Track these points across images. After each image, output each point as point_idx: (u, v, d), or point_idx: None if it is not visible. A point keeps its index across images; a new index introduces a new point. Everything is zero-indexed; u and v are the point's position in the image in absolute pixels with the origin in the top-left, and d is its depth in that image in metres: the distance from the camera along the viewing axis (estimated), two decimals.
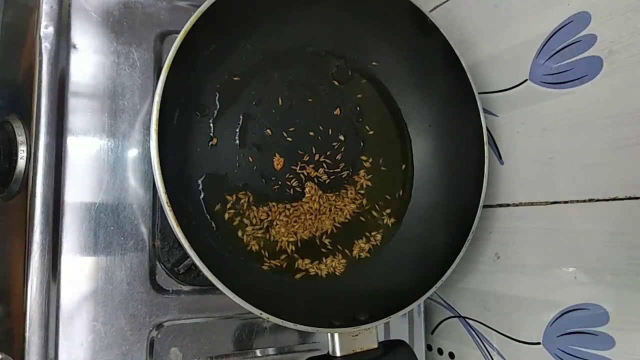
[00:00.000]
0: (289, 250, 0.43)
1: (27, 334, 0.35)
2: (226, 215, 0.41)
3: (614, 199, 0.39)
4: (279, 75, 0.45)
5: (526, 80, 0.45)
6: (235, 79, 0.43)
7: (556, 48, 0.43)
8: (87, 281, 0.38)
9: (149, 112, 0.38)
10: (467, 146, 0.47)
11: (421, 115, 0.50)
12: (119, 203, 0.39)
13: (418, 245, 0.47)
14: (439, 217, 0.48)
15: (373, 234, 0.47)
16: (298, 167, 0.45)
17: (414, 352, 0.42)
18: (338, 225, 0.46)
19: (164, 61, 0.36)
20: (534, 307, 0.44)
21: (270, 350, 0.45)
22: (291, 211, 0.44)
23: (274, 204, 0.43)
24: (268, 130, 0.44)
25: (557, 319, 0.42)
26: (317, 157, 0.46)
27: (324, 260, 0.45)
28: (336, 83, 0.48)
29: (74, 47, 0.39)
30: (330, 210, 0.46)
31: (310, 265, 0.44)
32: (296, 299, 0.42)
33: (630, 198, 0.38)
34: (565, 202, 0.42)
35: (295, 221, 0.44)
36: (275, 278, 0.42)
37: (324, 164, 0.46)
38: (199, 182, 0.40)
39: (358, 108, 0.48)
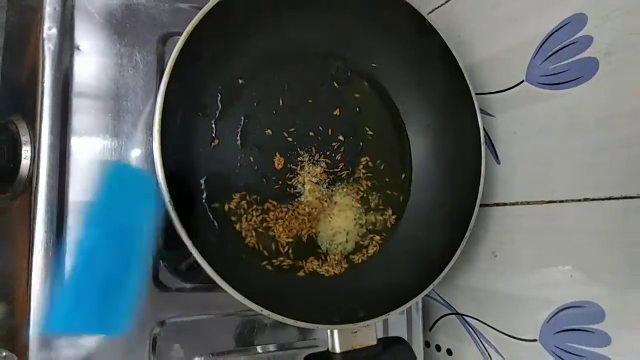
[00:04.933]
0: (290, 250, 0.44)
1: (30, 333, 0.35)
2: (228, 215, 0.42)
3: (610, 199, 0.39)
4: (280, 77, 0.45)
5: (523, 81, 0.46)
6: (237, 80, 0.44)
7: (553, 49, 0.43)
8: None
9: (152, 114, 0.38)
10: (465, 146, 0.48)
11: (420, 116, 0.51)
12: None
13: (416, 244, 0.48)
14: (437, 216, 0.48)
15: (372, 233, 0.48)
16: (299, 167, 0.45)
17: (413, 349, 0.43)
18: None
19: (167, 63, 0.36)
20: (531, 305, 0.45)
21: (271, 347, 0.45)
22: (292, 210, 0.44)
23: (275, 203, 0.44)
24: (269, 131, 0.44)
25: (553, 316, 0.43)
26: (317, 157, 0.46)
27: (328, 260, 0.45)
28: (336, 84, 0.48)
29: (78, 48, 0.39)
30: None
31: (317, 266, 0.45)
32: (297, 297, 0.43)
33: (625, 198, 0.38)
34: (562, 202, 0.43)
35: (296, 220, 0.44)
36: (277, 276, 0.43)
37: (324, 164, 0.46)
38: (202, 182, 0.41)
39: (357, 109, 0.49)
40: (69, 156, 0.38)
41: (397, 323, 0.52)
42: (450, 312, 0.54)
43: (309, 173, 0.45)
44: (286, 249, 0.44)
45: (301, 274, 0.44)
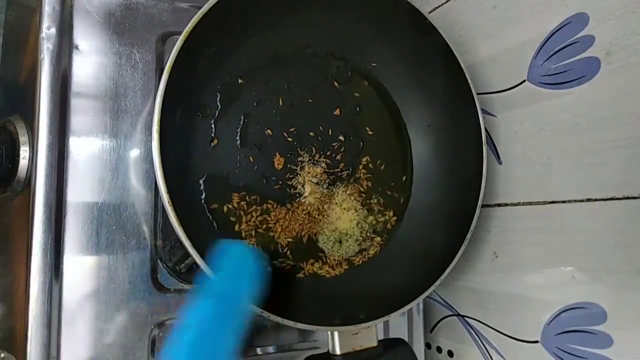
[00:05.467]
0: (289, 250, 0.44)
1: (29, 333, 0.35)
2: (227, 215, 0.42)
3: (612, 199, 0.39)
4: (280, 76, 0.45)
5: (524, 80, 0.46)
6: (236, 80, 0.43)
7: (554, 49, 0.43)
8: (89, 280, 0.38)
9: (151, 113, 0.38)
10: (466, 146, 0.47)
11: (420, 116, 0.50)
12: (120, 203, 0.40)
13: (417, 244, 0.47)
14: (438, 216, 0.48)
15: (373, 234, 0.48)
16: (298, 167, 0.45)
17: (413, 351, 0.43)
18: None
19: (166, 62, 0.36)
20: (532, 306, 0.45)
21: (271, 349, 0.45)
22: (292, 211, 0.44)
23: (274, 203, 0.43)
24: (269, 131, 0.44)
25: (555, 317, 0.43)
26: (317, 157, 0.46)
27: (328, 261, 0.45)
28: (336, 84, 0.48)
29: (76, 48, 0.39)
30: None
31: (317, 267, 0.44)
32: (297, 298, 0.42)
33: (627, 198, 0.38)
34: (563, 202, 0.42)
35: (296, 221, 0.44)
36: (277, 277, 0.42)
37: (324, 164, 0.46)
38: (201, 182, 0.41)
39: (358, 108, 0.49)
40: (67, 156, 0.38)
41: (397, 324, 0.52)
42: (451, 313, 0.54)
43: (308, 173, 0.45)
44: (285, 250, 0.43)
45: (301, 275, 0.44)
